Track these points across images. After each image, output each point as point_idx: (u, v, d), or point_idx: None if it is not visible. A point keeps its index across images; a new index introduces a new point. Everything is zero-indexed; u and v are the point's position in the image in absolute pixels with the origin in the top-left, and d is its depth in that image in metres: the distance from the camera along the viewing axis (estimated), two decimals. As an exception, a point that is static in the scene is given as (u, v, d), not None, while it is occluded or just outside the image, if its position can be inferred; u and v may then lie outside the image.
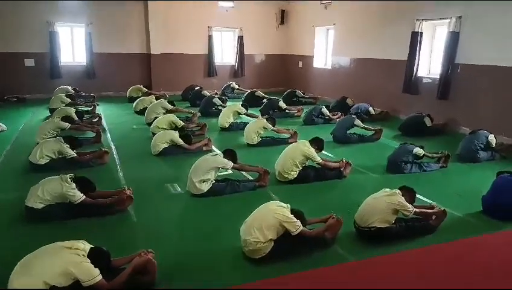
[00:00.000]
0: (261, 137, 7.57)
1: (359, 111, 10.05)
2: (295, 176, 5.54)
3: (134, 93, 12.15)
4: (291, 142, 7.60)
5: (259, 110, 10.46)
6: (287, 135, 7.88)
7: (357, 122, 7.93)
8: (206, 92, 11.89)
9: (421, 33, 9.59)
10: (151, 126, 7.98)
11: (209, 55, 14.39)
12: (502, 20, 7.81)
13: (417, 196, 4.35)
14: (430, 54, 10.08)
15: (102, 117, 9.31)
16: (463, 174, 6.32)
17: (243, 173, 5.71)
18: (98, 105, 11.57)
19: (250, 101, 11.57)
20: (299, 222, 3.62)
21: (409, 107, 10.19)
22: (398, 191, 4.13)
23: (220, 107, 10.32)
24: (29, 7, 11.80)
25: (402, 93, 10.16)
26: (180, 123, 7.98)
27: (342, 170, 5.87)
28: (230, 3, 14.32)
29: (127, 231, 4.25)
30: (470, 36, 8.54)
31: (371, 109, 10.18)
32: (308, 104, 12.09)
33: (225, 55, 15.13)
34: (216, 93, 13.30)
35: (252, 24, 14.73)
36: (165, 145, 6.75)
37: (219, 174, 5.27)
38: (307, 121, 9.65)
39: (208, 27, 14.12)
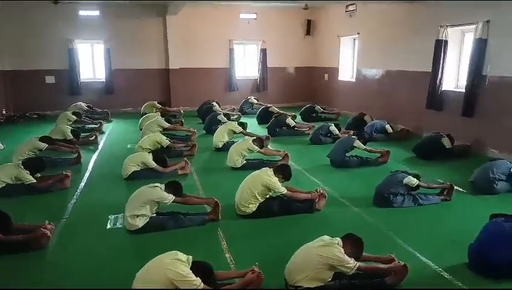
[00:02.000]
0: (246, 160, 6.89)
1: (374, 129, 9.05)
2: (253, 209, 4.80)
3: (148, 110, 11.92)
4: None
5: (266, 128, 9.78)
6: (278, 157, 7.14)
7: (357, 143, 6.99)
8: (217, 108, 11.42)
9: (446, 41, 8.42)
10: (136, 146, 7.58)
11: (230, 69, 13.96)
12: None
13: (396, 239, 3.46)
14: (458, 65, 8.85)
15: (98, 135, 9.08)
16: (471, 209, 5.22)
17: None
18: (111, 121, 11.55)
19: (264, 118, 11.01)
20: None
21: (432, 124, 9.01)
22: (338, 240, 3.29)
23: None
24: (50, 24, 12.09)
25: (426, 109, 9.00)
26: (166, 143, 7.52)
27: (315, 201, 5.05)
28: (253, 15, 13.82)
29: (34, 272, 3.77)
30: (499, 44, 7.31)
31: (388, 126, 9.11)
32: (328, 120, 11.14)
33: (247, 68, 14.61)
34: (234, 109, 12.88)
35: (276, 36, 14.11)
36: (136, 168, 6.28)
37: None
38: (314, 140, 8.81)
39: (229, 40, 13.72)
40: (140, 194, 4.50)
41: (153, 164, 6.30)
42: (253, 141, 6.96)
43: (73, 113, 10.27)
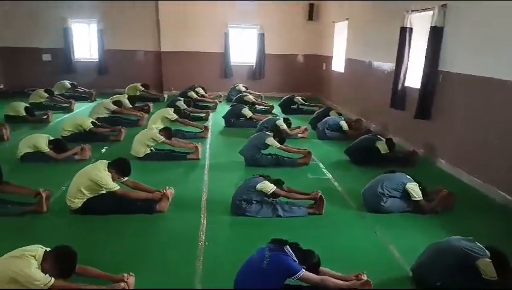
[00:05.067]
0: (151, 149, 6.49)
1: (327, 126, 8.14)
2: (79, 205, 4.43)
3: (132, 92, 11.89)
4: (191, 159, 6.51)
5: (222, 117, 9.24)
6: (190, 150, 6.65)
7: (270, 140, 6.23)
8: (192, 94, 11.07)
9: (411, 29, 7.27)
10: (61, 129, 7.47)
11: (225, 54, 13.45)
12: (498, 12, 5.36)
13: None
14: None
15: (52, 115, 9.11)
16: (341, 228, 4.39)
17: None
18: (94, 101, 11.59)
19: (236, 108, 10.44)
20: None
21: (397, 126, 7.98)
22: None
23: (186, 111, 9.43)
24: (46, 3, 12.42)
25: (389, 108, 7.90)
26: (88, 126, 7.33)
27: (156, 202, 4.57)
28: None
29: None
30: (456, 33, 6.11)
31: (342, 123, 8.13)
32: (310, 113, 10.30)
33: (244, 54, 13.96)
34: (220, 96, 12.47)
35: (276, 21, 13.30)
36: (28, 150, 6.14)
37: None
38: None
39: (225, 23, 13.19)
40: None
41: (45, 149, 6.13)
42: (160, 130, 6.55)
43: (46, 91, 10.49)
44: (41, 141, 6.19)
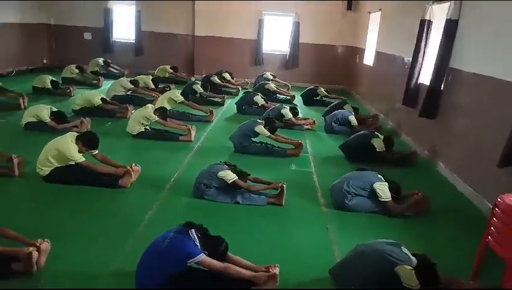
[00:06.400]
0: (145, 128, 6.61)
1: (335, 120, 7.82)
2: (46, 173, 4.60)
3: (161, 74, 12.19)
4: (184, 141, 6.57)
5: (235, 104, 9.19)
6: (183, 131, 6.68)
7: (259, 128, 6.09)
8: (215, 79, 11.10)
9: (430, 22, 6.73)
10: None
11: (258, 42, 13.32)
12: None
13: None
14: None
15: (74, 90, 9.53)
16: (296, 223, 4.20)
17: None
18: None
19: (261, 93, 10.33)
20: None
21: (408, 125, 7.51)
22: None
23: (203, 95, 9.51)
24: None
25: (402, 105, 7.40)
26: (97, 102, 7.61)
27: (119, 177, 4.65)
28: (289, -16, 12.84)
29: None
30: (470, 27, 5.56)
31: (351, 118, 7.76)
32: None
33: (277, 43, 13.72)
34: (247, 83, 12.42)
35: (313, 9, 12.88)
36: (31, 119, 6.50)
37: None
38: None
39: (260, 10, 13.04)
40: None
41: (46, 119, 6.44)
42: (155, 110, 6.63)
43: (77, 67, 11.06)
44: (43, 111, 6.50)
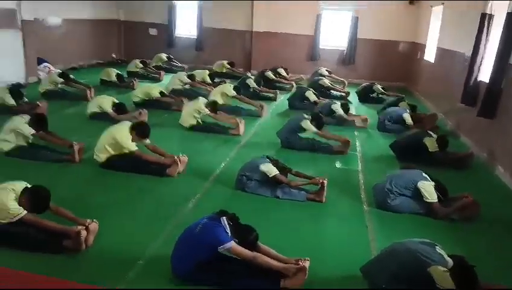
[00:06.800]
0: (197, 121, 6.87)
1: (388, 118, 7.60)
2: (103, 160, 4.97)
3: (218, 69, 12.52)
4: (233, 134, 6.77)
5: (287, 99, 9.21)
6: (233, 125, 6.85)
7: (305, 123, 6.08)
8: (269, 74, 11.18)
9: (491, 16, 6.32)
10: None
11: (315, 37, 13.21)
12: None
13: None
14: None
15: (137, 82, 10.05)
16: (331, 219, 4.20)
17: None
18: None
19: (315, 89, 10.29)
20: None
21: (467, 125, 7.12)
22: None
23: (256, 90, 9.68)
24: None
25: (460, 103, 7.04)
26: (155, 94, 8.04)
27: (168, 167, 4.92)
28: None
29: None
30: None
31: (406, 115, 7.48)
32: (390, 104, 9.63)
33: (334, 38, 13.48)
34: (302, 78, 12.39)
35: (374, 3, 12.52)
36: (96, 109, 7.02)
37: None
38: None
39: (318, 5, 12.92)
40: (11, 121, 5.18)
41: (108, 110, 6.93)
42: (206, 104, 6.87)
43: (141, 62, 11.69)
44: (106, 102, 7.01)
